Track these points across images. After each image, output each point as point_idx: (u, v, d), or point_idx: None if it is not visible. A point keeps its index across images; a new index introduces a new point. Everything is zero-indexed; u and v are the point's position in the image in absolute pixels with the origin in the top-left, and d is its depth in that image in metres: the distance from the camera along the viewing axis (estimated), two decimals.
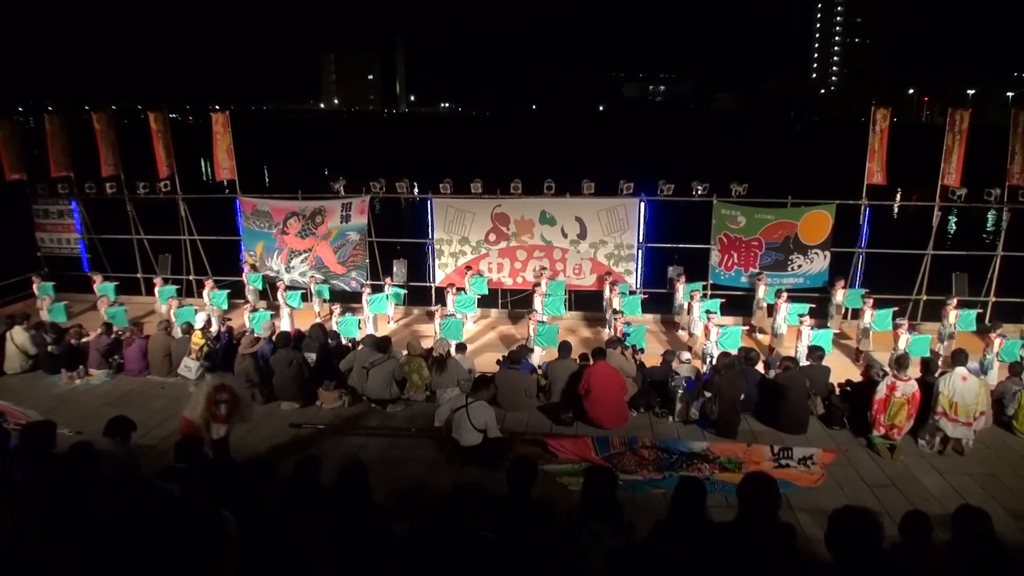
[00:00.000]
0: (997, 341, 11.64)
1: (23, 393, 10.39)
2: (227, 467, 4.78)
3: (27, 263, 17.75)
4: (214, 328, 12.85)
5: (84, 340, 11.63)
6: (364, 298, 14.91)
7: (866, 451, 8.52)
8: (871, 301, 13.67)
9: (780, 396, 9.06)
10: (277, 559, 3.81)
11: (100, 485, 4.42)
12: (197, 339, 10.69)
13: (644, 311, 15.65)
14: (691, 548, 3.99)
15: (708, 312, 13.51)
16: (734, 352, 10.72)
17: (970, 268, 15.28)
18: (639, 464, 7.97)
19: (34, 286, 15.86)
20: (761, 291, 14.87)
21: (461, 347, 12.04)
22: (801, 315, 13.03)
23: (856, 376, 10.64)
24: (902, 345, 12.01)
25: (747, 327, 14.63)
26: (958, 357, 8.72)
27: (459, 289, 15.43)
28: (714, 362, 11.02)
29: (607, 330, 14.52)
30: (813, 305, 13.79)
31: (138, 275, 17.88)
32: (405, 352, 10.53)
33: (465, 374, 10.33)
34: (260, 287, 16.56)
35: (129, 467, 6.20)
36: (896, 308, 13.81)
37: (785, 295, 13.92)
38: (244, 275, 16.69)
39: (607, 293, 15.32)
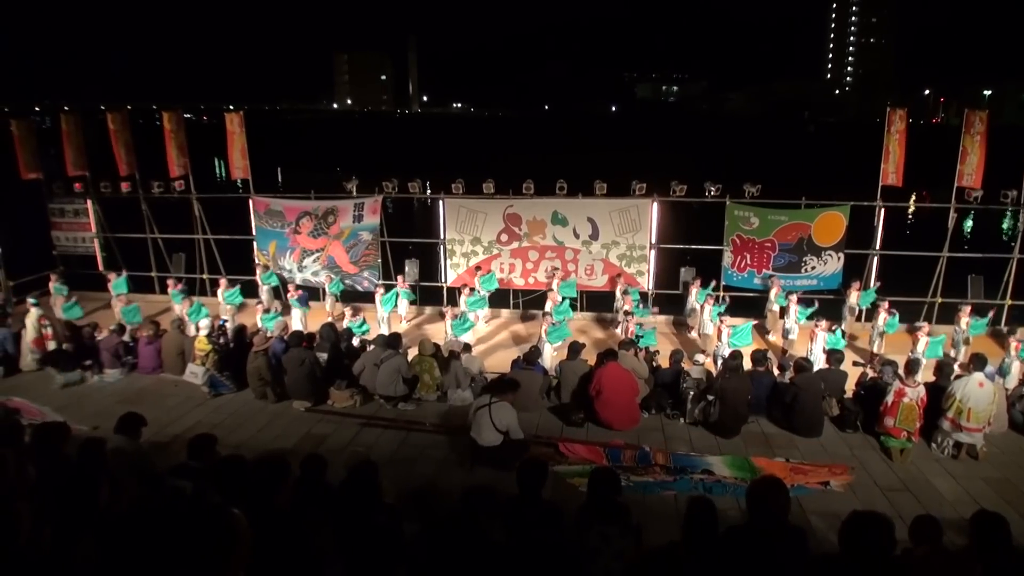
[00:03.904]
0: (1014, 344, 11.54)
1: (38, 390, 10.47)
2: (239, 465, 4.81)
3: (43, 261, 17.92)
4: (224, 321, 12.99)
5: (99, 339, 11.70)
6: (377, 298, 14.95)
7: (879, 455, 8.46)
8: (886, 304, 13.57)
9: (794, 398, 9.00)
10: (288, 557, 3.83)
11: (112, 482, 4.45)
12: (202, 344, 10.72)
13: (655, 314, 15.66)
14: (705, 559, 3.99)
15: (720, 315, 13.46)
16: (742, 348, 10.67)
17: (986, 271, 15.14)
18: (648, 469, 7.93)
19: (51, 285, 16.00)
20: (773, 293, 14.81)
21: (467, 347, 12.06)
22: (815, 320, 12.96)
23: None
24: (920, 348, 11.92)
25: (756, 322, 14.57)
26: (977, 362, 8.60)
27: (472, 289, 15.45)
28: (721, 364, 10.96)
29: (618, 331, 14.50)
30: (815, 307, 13.60)
31: (152, 273, 18.02)
32: (416, 352, 10.55)
33: (473, 372, 10.36)
34: (275, 283, 16.67)
35: (142, 464, 6.24)
36: (906, 326, 13.73)
37: (795, 297, 13.85)
38: (257, 276, 16.79)
39: (618, 296, 15.31)
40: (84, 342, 11.62)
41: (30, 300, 12.45)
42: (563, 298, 14.97)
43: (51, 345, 11.63)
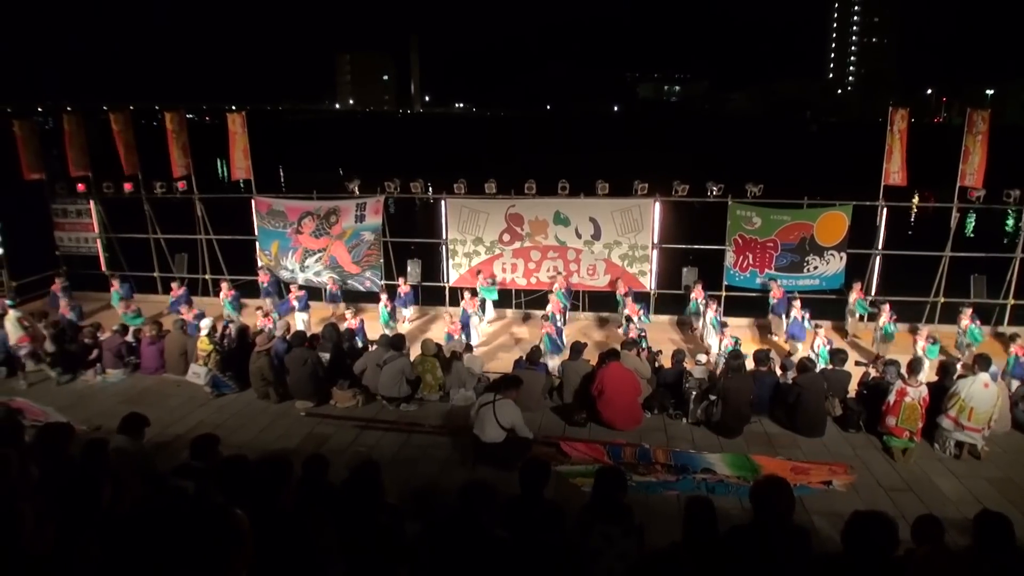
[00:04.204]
0: (1013, 350, 11.52)
1: (42, 391, 10.50)
2: (242, 465, 4.81)
3: (46, 262, 17.95)
4: (228, 322, 12.98)
5: (101, 339, 11.72)
6: (380, 306, 14.93)
7: (882, 455, 8.46)
8: (888, 305, 13.55)
9: (797, 398, 9.00)
10: (290, 557, 3.83)
11: (115, 482, 4.45)
12: (204, 345, 10.74)
13: (657, 312, 15.59)
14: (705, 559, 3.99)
15: (723, 325, 13.44)
16: (744, 351, 10.66)
17: (989, 270, 15.12)
18: (649, 468, 7.93)
19: (56, 287, 16.01)
20: (772, 295, 14.78)
21: (469, 347, 12.06)
22: (818, 325, 12.93)
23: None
24: (919, 349, 11.90)
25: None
26: (982, 362, 8.60)
27: (473, 292, 15.34)
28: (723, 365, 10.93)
29: (621, 331, 14.49)
30: (813, 327, 13.44)
31: (155, 274, 18.03)
32: (419, 352, 10.57)
33: (476, 372, 10.37)
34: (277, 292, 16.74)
35: (144, 464, 6.25)
36: (908, 326, 13.68)
37: (799, 303, 13.83)
38: (259, 277, 16.80)
39: (620, 300, 15.29)
40: (84, 342, 11.65)
41: (7, 302, 12.46)
42: (564, 305, 14.96)
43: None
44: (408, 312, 16.00)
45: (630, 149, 72.49)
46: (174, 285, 16.03)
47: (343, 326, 12.91)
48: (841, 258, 15.33)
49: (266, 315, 13.84)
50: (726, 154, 62.55)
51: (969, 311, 13.30)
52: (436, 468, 8.01)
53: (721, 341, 12.91)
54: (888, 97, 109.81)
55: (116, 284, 16.21)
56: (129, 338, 11.83)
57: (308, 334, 11.64)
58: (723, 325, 13.38)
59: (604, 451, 8.25)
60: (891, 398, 8.49)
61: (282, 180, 46.84)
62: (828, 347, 12.02)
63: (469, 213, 16.30)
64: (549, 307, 14.45)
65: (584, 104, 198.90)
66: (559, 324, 13.70)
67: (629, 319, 13.79)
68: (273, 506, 4.18)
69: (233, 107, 25.07)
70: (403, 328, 15.08)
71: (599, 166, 21.20)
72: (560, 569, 4.22)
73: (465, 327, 13.97)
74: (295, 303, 15.11)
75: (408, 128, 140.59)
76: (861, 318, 14.83)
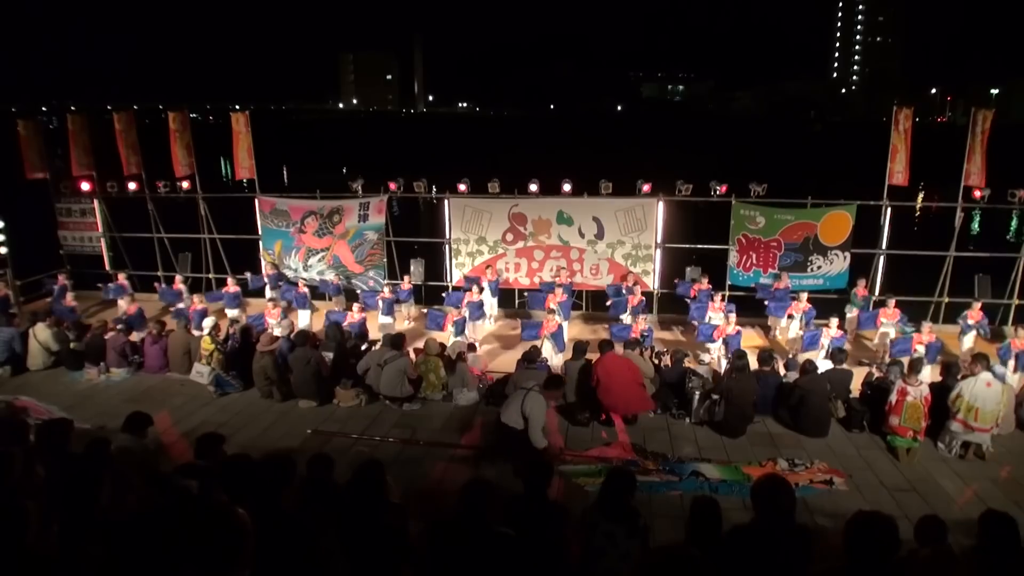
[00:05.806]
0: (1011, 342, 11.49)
1: (46, 389, 10.53)
2: (246, 464, 4.82)
3: (50, 261, 17.99)
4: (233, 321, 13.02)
5: (106, 336, 11.75)
6: (380, 300, 14.93)
7: (886, 455, 8.45)
8: (893, 302, 13.51)
9: (800, 399, 9.00)
10: (293, 557, 3.84)
11: (118, 480, 4.47)
12: (206, 344, 10.76)
13: (661, 311, 15.53)
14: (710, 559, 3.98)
15: (727, 314, 13.40)
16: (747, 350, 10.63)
17: (993, 270, 15.07)
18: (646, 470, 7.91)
19: (59, 281, 16.05)
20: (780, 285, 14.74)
21: (472, 347, 12.05)
22: (824, 323, 12.90)
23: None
24: (922, 349, 11.88)
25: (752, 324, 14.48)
26: (982, 362, 8.59)
27: (480, 289, 15.33)
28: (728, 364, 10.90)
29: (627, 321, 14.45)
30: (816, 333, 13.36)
31: (158, 273, 18.06)
32: (422, 351, 10.56)
33: (475, 375, 10.42)
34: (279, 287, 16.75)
35: (148, 463, 6.27)
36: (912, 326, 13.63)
37: (805, 296, 13.79)
38: (264, 274, 16.83)
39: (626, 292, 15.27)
40: (95, 337, 11.70)
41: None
42: (567, 296, 14.93)
43: None
44: (409, 310, 15.99)
45: (634, 148, 72.37)
46: (177, 280, 16.07)
47: (345, 321, 12.92)
48: (845, 258, 15.30)
49: (276, 307, 13.88)
50: (730, 153, 62.45)
51: (978, 304, 13.21)
52: (439, 468, 8.01)
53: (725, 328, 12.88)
54: (892, 96, 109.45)
55: (120, 279, 16.26)
56: (133, 337, 11.88)
57: (311, 333, 11.64)
58: (727, 313, 13.33)
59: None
60: (893, 397, 8.49)
61: (286, 179, 46.86)
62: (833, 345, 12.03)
63: (472, 212, 16.31)
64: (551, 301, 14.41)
65: (588, 103, 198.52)
66: (561, 320, 13.67)
67: (637, 310, 13.78)
68: (276, 505, 4.19)
69: (237, 106, 25.03)
70: (403, 327, 15.06)
71: (602, 165, 21.15)
72: (562, 568, 4.22)
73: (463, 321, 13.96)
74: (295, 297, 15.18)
75: (412, 127, 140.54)
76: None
